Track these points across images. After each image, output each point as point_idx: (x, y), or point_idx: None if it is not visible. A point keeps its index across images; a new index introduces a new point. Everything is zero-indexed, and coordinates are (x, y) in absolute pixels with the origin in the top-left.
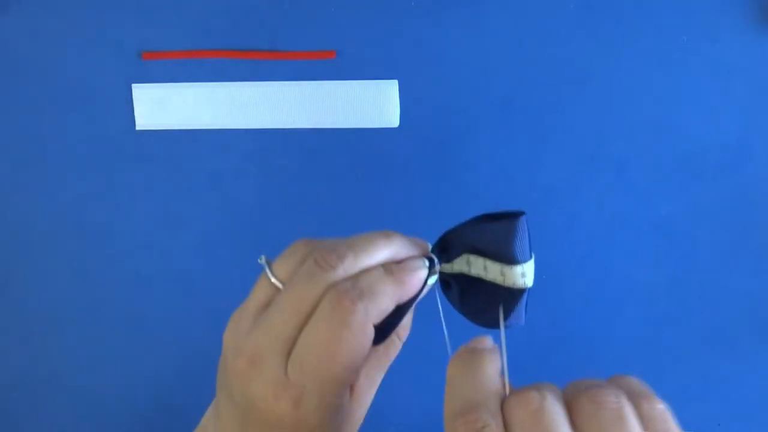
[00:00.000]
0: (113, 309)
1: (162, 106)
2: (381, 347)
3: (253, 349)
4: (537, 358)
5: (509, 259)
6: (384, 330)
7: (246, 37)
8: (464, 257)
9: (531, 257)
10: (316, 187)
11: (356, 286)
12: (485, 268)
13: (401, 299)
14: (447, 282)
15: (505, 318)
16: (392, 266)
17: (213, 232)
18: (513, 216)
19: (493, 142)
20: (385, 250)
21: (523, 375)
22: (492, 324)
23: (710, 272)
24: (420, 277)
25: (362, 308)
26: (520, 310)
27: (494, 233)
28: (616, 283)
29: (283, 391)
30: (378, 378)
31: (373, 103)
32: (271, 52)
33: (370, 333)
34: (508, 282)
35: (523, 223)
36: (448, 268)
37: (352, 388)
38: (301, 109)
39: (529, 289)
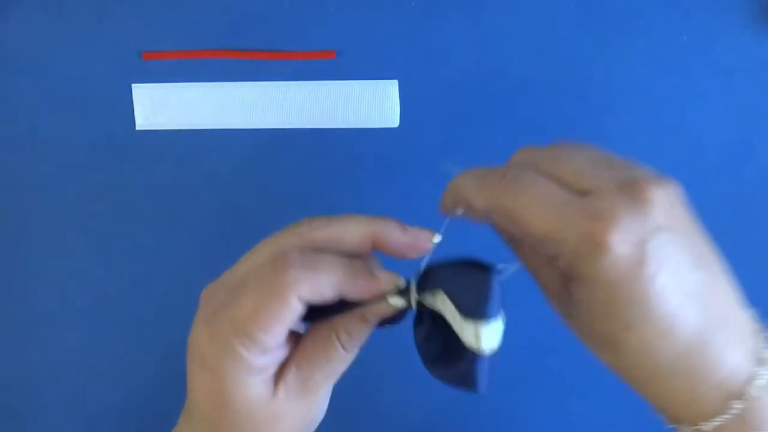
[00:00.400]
0: (113, 309)
1: (162, 106)
2: (318, 342)
3: (206, 292)
4: (537, 357)
5: (465, 310)
6: (311, 314)
7: (246, 37)
8: (440, 294)
9: (493, 320)
10: (316, 187)
11: (305, 257)
12: (453, 316)
13: (346, 292)
14: (421, 315)
15: (456, 381)
16: (356, 261)
17: (213, 232)
18: (487, 269)
19: (493, 142)
20: (353, 229)
21: (523, 375)
22: (445, 380)
23: None
24: (377, 287)
25: (292, 274)
26: (474, 378)
27: (458, 274)
28: None
29: (208, 321)
30: (317, 378)
31: (373, 103)
32: (271, 52)
33: (292, 304)
34: (463, 338)
35: (494, 277)
36: (430, 299)
37: (278, 378)
38: (301, 109)
39: (489, 357)
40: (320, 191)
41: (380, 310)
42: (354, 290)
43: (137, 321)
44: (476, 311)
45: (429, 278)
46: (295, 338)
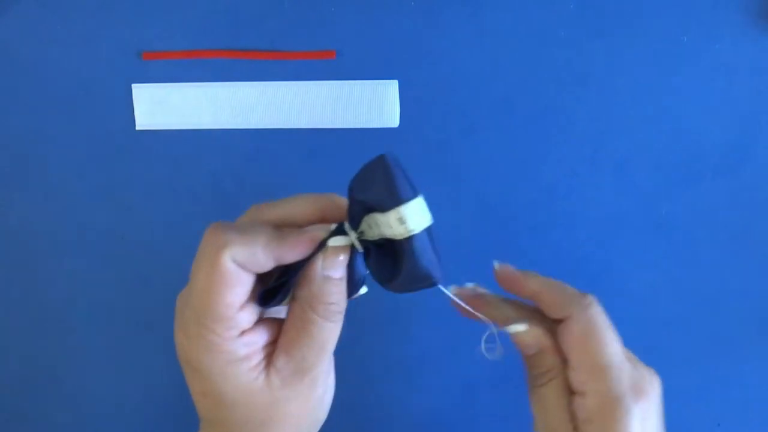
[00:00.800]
0: (113, 309)
1: (162, 106)
2: (297, 323)
3: (178, 299)
4: None
5: (383, 206)
6: (273, 291)
7: (246, 37)
8: (365, 219)
9: (408, 200)
10: (316, 187)
11: (234, 224)
12: (381, 223)
13: (280, 253)
14: (368, 249)
15: (413, 283)
16: (285, 227)
17: None
18: (380, 159)
19: (493, 142)
20: (300, 204)
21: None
22: (405, 288)
23: (710, 272)
24: (308, 237)
25: (222, 238)
26: (421, 266)
27: (363, 181)
28: (616, 283)
29: (180, 330)
30: (308, 358)
31: (373, 103)
32: (271, 52)
33: (228, 266)
34: (395, 233)
35: (387, 160)
36: (368, 231)
37: (268, 366)
38: (301, 109)
39: (420, 234)
40: (320, 191)
41: (329, 258)
42: (287, 249)
43: (137, 321)
44: (390, 200)
45: (352, 205)
46: (277, 326)
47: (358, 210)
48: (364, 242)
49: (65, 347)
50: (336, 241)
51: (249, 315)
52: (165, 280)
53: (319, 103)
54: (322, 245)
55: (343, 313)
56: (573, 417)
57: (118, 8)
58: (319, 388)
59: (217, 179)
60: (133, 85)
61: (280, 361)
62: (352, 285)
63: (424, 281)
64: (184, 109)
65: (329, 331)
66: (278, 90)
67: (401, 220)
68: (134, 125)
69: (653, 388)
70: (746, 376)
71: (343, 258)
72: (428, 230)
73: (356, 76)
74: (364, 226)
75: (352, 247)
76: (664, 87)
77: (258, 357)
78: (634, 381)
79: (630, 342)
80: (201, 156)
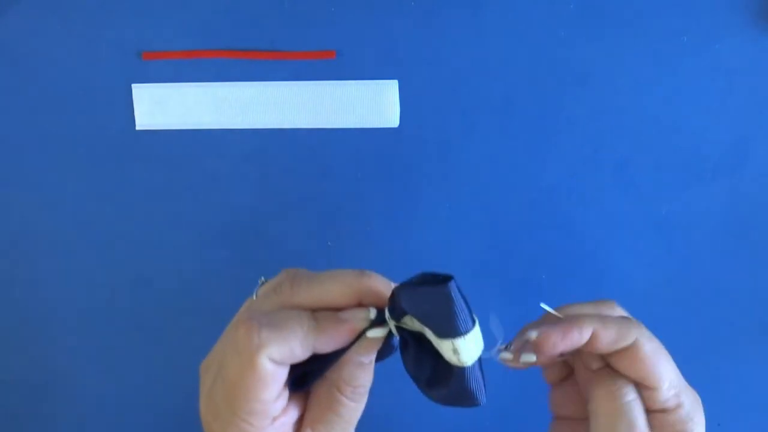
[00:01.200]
0: (113, 309)
1: (162, 106)
2: (324, 401)
3: (203, 365)
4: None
5: (437, 330)
6: (304, 377)
7: (246, 37)
8: (410, 317)
9: (466, 333)
10: (316, 187)
11: (268, 317)
12: (430, 335)
13: (318, 346)
14: (406, 340)
15: (455, 400)
16: (321, 312)
17: (213, 232)
18: (441, 281)
19: (493, 142)
20: (336, 289)
21: (522, 374)
22: (443, 401)
23: (710, 272)
24: (348, 329)
25: (256, 338)
26: (469, 391)
27: (421, 301)
28: (616, 283)
29: (206, 405)
30: None
31: (373, 103)
32: (271, 52)
33: (265, 367)
34: (445, 356)
35: (451, 291)
36: (408, 322)
37: None
38: (301, 109)
39: (474, 367)
40: (320, 191)
41: (365, 348)
42: (326, 340)
43: (137, 321)
44: (447, 330)
45: (398, 304)
46: (303, 399)
47: (401, 308)
48: (400, 330)
49: (65, 347)
50: (375, 333)
51: (281, 401)
52: (165, 280)
53: (319, 103)
54: (360, 334)
55: (366, 395)
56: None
57: (118, 8)
58: None
59: (217, 179)
60: (133, 85)
61: None
62: (384, 354)
63: (467, 402)
64: (184, 109)
65: (355, 410)
66: (278, 90)
67: (455, 351)
68: (134, 125)
69: None
70: (746, 376)
71: (376, 347)
72: (479, 363)
73: (356, 76)
74: (407, 320)
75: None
76: (664, 87)
77: (288, 430)
78: (691, 391)
79: None
80: (201, 156)
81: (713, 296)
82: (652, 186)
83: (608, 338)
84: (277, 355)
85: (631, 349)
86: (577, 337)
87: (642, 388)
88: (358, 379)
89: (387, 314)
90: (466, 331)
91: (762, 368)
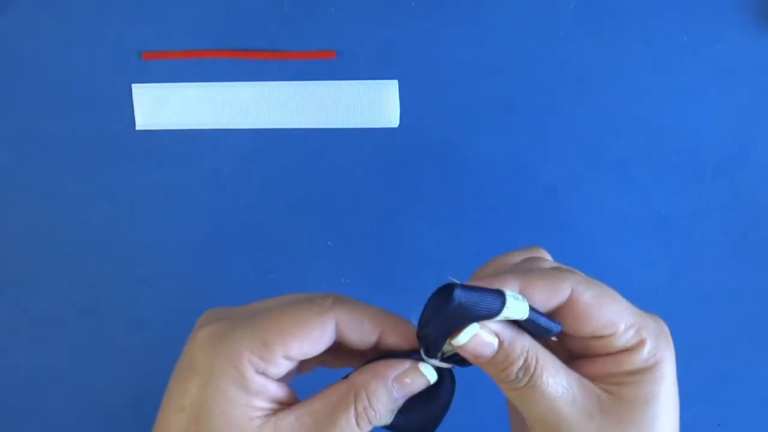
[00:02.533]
0: (112, 309)
1: (162, 106)
2: (329, 406)
3: (209, 313)
4: None
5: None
6: None
7: (246, 37)
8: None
9: (501, 305)
10: (316, 187)
11: (342, 296)
12: None
13: (386, 332)
14: (459, 361)
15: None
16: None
17: (213, 232)
18: (445, 295)
19: (493, 142)
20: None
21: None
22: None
23: (710, 272)
24: (413, 334)
25: (331, 299)
26: (545, 327)
27: (446, 322)
28: (616, 283)
29: (211, 323)
30: None
31: (373, 103)
32: (271, 52)
33: (326, 322)
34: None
35: (458, 300)
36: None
37: (270, 417)
38: (301, 109)
39: (531, 314)
40: (320, 191)
41: (407, 377)
42: (392, 329)
43: (137, 321)
44: (490, 316)
45: (430, 340)
46: (295, 398)
47: (439, 340)
48: (449, 360)
49: (65, 347)
50: (427, 370)
51: (287, 367)
52: (165, 280)
53: (319, 103)
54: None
55: (370, 429)
56: (600, 378)
57: (118, 8)
58: None
59: (217, 179)
60: (133, 85)
61: (286, 419)
62: (440, 409)
63: (551, 327)
64: (184, 109)
65: (351, 430)
66: (278, 90)
67: (507, 318)
68: (134, 125)
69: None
70: (746, 376)
71: (415, 390)
72: (530, 308)
73: (356, 76)
74: (446, 347)
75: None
76: (664, 87)
77: (263, 403)
78: (653, 321)
79: None
80: (201, 156)
81: (713, 296)
82: (652, 186)
83: (537, 296)
84: (345, 323)
85: (569, 304)
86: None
87: (596, 338)
88: (378, 402)
89: (428, 357)
90: (502, 305)
91: (762, 368)
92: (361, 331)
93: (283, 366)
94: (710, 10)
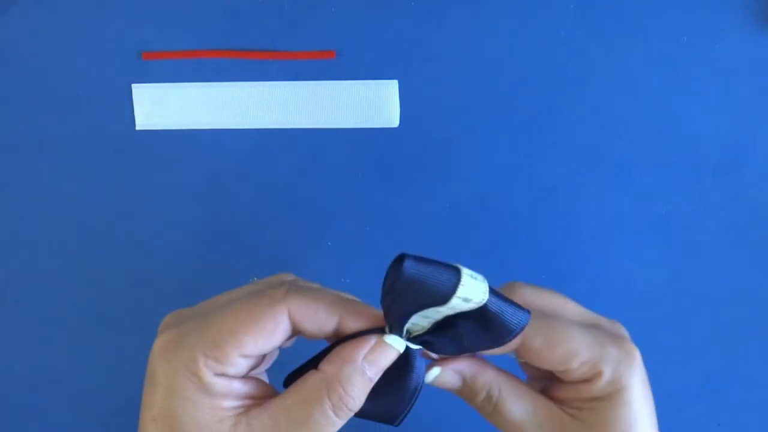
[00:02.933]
0: (112, 309)
1: (162, 106)
2: (303, 401)
3: (169, 317)
4: None
5: (437, 301)
6: (300, 372)
7: (246, 37)
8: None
9: (457, 282)
10: (316, 187)
11: (301, 283)
12: (436, 312)
13: (344, 320)
14: (428, 342)
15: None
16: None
17: (213, 232)
18: (396, 263)
19: (493, 142)
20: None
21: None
22: (508, 336)
23: (710, 272)
24: (374, 312)
25: (284, 288)
26: (503, 314)
27: (401, 297)
28: (616, 283)
29: (165, 344)
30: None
31: (373, 103)
32: (271, 52)
33: (277, 314)
34: (465, 309)
35: (409, 270)
36: (418, 327)
37: (241, 416)
38: (301, 109)
39: (489, 300)
40: (320, 191)
41: (376, 352)
42: (353, 313)
43: (137, 321)
44: (443, 295)
45: (393, 315)
46: (266, 389)
47: (401, 316)
48: (419, 341)
49: (64, 347)
50: (392, 340)
51: (246, 364)
52: (165, 280)
53: (319, 103)
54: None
55: (349, 416)
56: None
57: (118, 8)
58: None
59: (217, 179)
60: (133, 85)
61: (259, 418)
62: (410, 392)
63: (516, 318)
64: (184, 109)
65: (329, 424)
66: (278, 90)
67: (466, 300)
68: (134, 125)
69: (630, 341)
70: (746, 376)
71: (387, 365)
72: (490, 290)
73: (356, 76)
74: (408, 325)
75: (403, 356)
76: (664, 87)
77: (231, 402)
78: (615, 347)
79: None
80: (201, 156)
81: (713, 296)
82: (652, 186)
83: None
84: (300, 313)
85: (521, 348)
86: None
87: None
88: (353, 387)
89: (394, 334)
90: (458, 281)
91: (762, 368)
92: (318, 321)
93: (241, 365)
94: (710, 10)
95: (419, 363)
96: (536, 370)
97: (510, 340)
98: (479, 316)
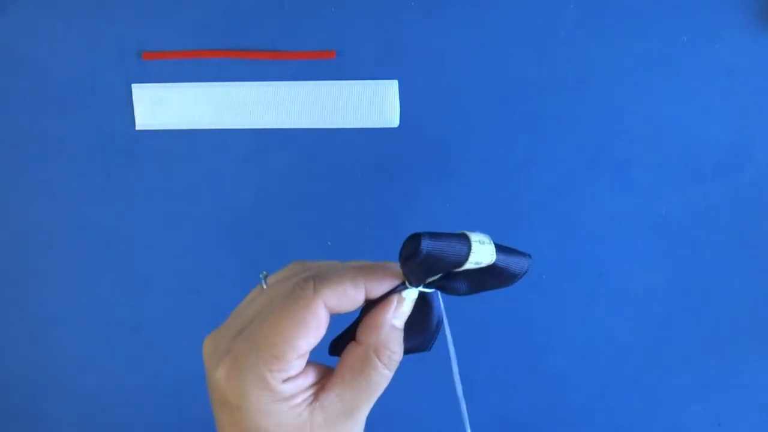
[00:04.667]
0: (113, 309)
1: (162, 106)
2: (357, 366)
3: (209, 340)
4: (536, 357)
5: (453, 267)
6: (341, 339)
7: (246, 37)
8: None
9: (468, 252)
10: (316, 187)
11: (317, 270)
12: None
13: (369, 288)
14: (441, 286)
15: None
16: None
17: (213, 232)
18: (412, 239)
19: (493, 142)
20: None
21: (522, 374)
22: (511, 281)
23: (710, 272)
24: (393, 272)
25: (311, 284)
26: (510, 268)
27: (422, 268)
28: (616, 283)
29: (222, 357)
30: (359, 403)
31: (373, 103)
32: (271, 52)
33: (317, 311)
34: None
35: (426, 248)
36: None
37: (314, 404)
38: (301, 109)
39: (498, 258)
40: (320, 191)
41: (401, 308)
42: (375, 280)
43: (137, 321)
44: (457, 263)
45: (413, 276)
46: (319, 369)
47: (419, 279)
48: (433, 285)
49: (64, 347)
50: (408, 293)
51: (303, 360)
52: (165, 280)
53: (319, 103)
54: (391, 293)
55: (397, 365)
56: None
57: (118, 8)
58: (361, 428)
59: (217, 179)
60: (133, 85)
61: (329, 399)
62: (434, 325)
63: (519, 266)
64: (184, 109)
65: (385, 378)
66: (278, 90)
67: (477, 263)
68: (134, 125)
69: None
70: (746, 376)
71: (408, 310)
72: (497, 246)
73: (356, 76)
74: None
75: (421, 298)
76: (664, 87)
77: (302, 397)
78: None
79: (630, 342)
80: (201, 156)
81: (713, 296)
82: (652, 186)
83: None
84: (332, 301)
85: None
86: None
87: None
88: (395, 344)
89: (412, 285)
90: (469, 250)
91: (762, 368)
92: (348, 300)
93: (299, 364)
94: (710, 10)
95: (437, 303)
96: None
97: (515, 282)
98: (495, 271)
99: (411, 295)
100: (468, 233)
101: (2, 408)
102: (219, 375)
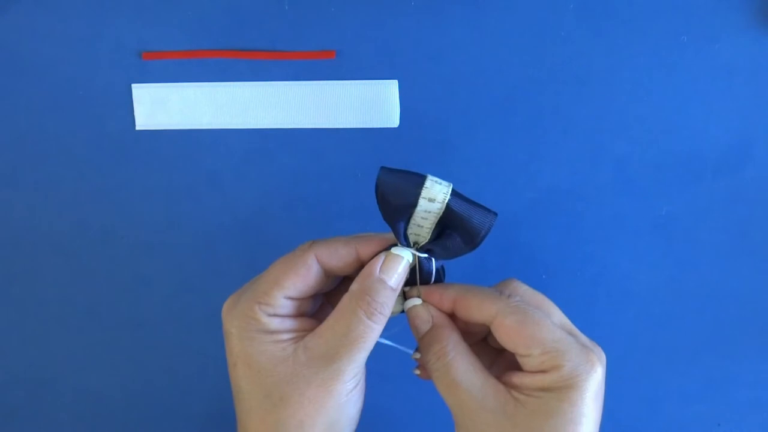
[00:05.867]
0: (113, 309)
1: (162, 106)
2: (341, 316)
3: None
4: None
5: (410, 201)
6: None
7: (246, 37)
8: (410, 229)
9: (423, 180)
10: (316, 187)
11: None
12: (423, 219)
13: (360, 250)
14: (430, 250)
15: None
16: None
17: (213, 232)
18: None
19: (493, 142)
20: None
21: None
22: (477, 240)
23: (710, 272)
24: (383, 237)
25: (309, 242)
26: (473, 220)
27: (389, 197)
28: (616, 283)
29: (228, 309)
30: (338, 348)
31: (373, 103)
32: (271, 52)
33: (307, 260)
34: (437, 212)
35: (383, 171)
36: (422, 237)
37: (297, 341)
38: (301, 109)
39: (454, 201)
40: (320, 191)
41: (387, 262)
42: (366, 243)
43: (137, 321)
44: (414, 192)
45: (395, 227)
46: (313, 323)
47: (393, 222)
48: (423, 250)
49: (64, 347)
50: (398, 250)
51: (291, 303)
52: (164, 280)
53: (319, 103)
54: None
55: (386, 319)
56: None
57: (118, 8)
58: (346, 384)
59: (217, 179)
60: (133, 85)
61: (311, 340)
62: (424, 275)
63: (487, 217)
64: (184, 109)
65: (366, 328)
66: (278, 90)
67: (431, 200)
68: (134, 125)
69: (601, 361)
70: (746, 376)
71: (401, 271)
72: (459, 194)
73: (356, 76)
74: (412, 237)
75: (417, 263)
76: (664, 87)
77: (289, 335)
78: (582, 353)
79: (630, 342)
80: (201, 156)
81: (713, 296)
82: (652, 186)
83: (466, 310)
84: (324, 255)
85: (494, 323)
86: (438, 300)
87: (517, 355)
88: (377, 294)
89: (402, 246)
90: (422, 182)
91: (762, 368)
92: (339, 256)
93: (288, 305)
94: (710, 10)
95: (428, 265)
96: (498, 355)
97: (480, 242)
98: (456, 221)
99: (401, 252)
100: (428, 174)
101: (2, 408)
102: (223, 310)
